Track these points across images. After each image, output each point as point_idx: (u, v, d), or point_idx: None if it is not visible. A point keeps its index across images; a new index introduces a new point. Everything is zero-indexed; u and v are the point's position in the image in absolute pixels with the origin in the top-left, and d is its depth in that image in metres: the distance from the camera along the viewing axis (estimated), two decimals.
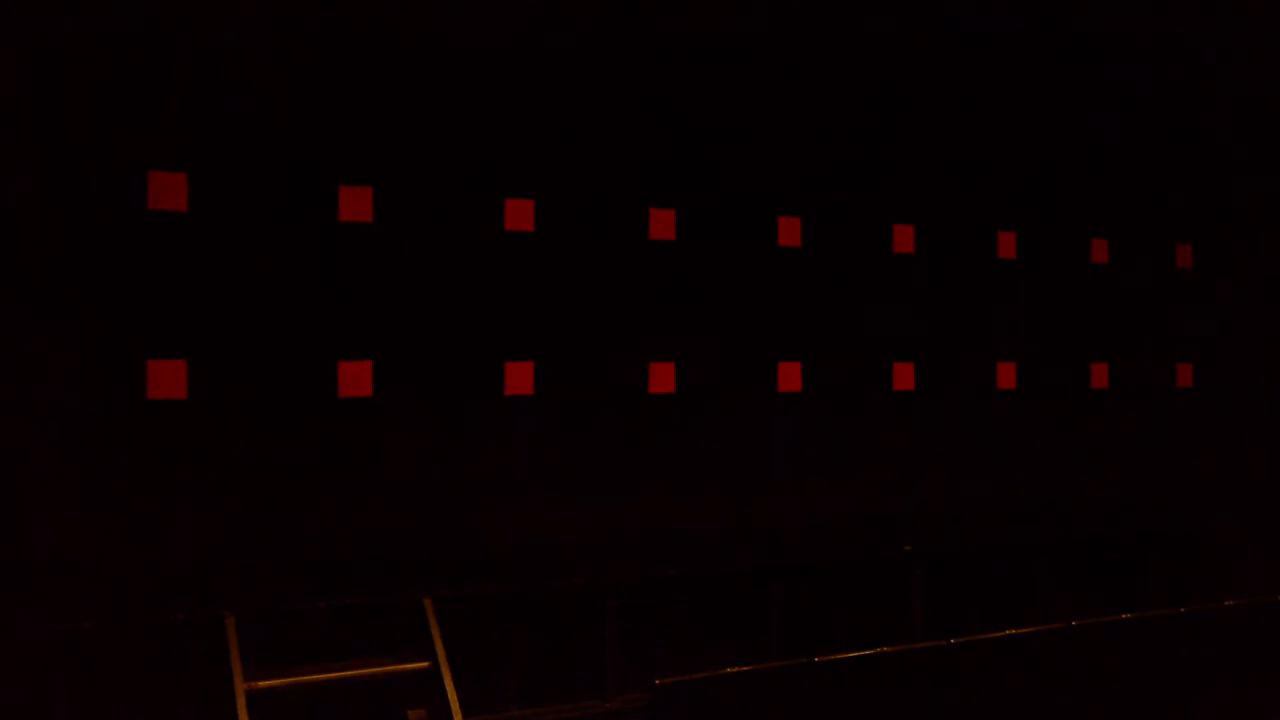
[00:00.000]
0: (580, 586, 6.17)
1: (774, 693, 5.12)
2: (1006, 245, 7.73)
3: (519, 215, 6.27)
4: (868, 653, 5.39)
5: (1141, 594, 7.76)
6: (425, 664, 5.58)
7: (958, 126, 7.58)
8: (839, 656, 5.34)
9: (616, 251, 6.53)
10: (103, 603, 5.21)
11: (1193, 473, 8.41)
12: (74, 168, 5.31)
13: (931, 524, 7.38)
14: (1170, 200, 8.40)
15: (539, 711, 5.99)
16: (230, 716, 5.09)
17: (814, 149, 7.10)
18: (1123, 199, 8.22)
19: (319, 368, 5.80)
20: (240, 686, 5.14)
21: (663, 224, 6.64)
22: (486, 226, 6.20)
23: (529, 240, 6.29)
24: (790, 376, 7.00)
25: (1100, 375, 8.11)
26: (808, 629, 6.77)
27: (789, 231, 7.01)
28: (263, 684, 5.24)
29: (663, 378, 6.62)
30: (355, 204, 5.87)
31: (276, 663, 5.36)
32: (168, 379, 5.45)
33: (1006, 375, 7.72)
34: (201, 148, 5.54)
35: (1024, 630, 5.81)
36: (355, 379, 5.86)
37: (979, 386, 7.65)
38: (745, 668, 5.16)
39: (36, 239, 5.24)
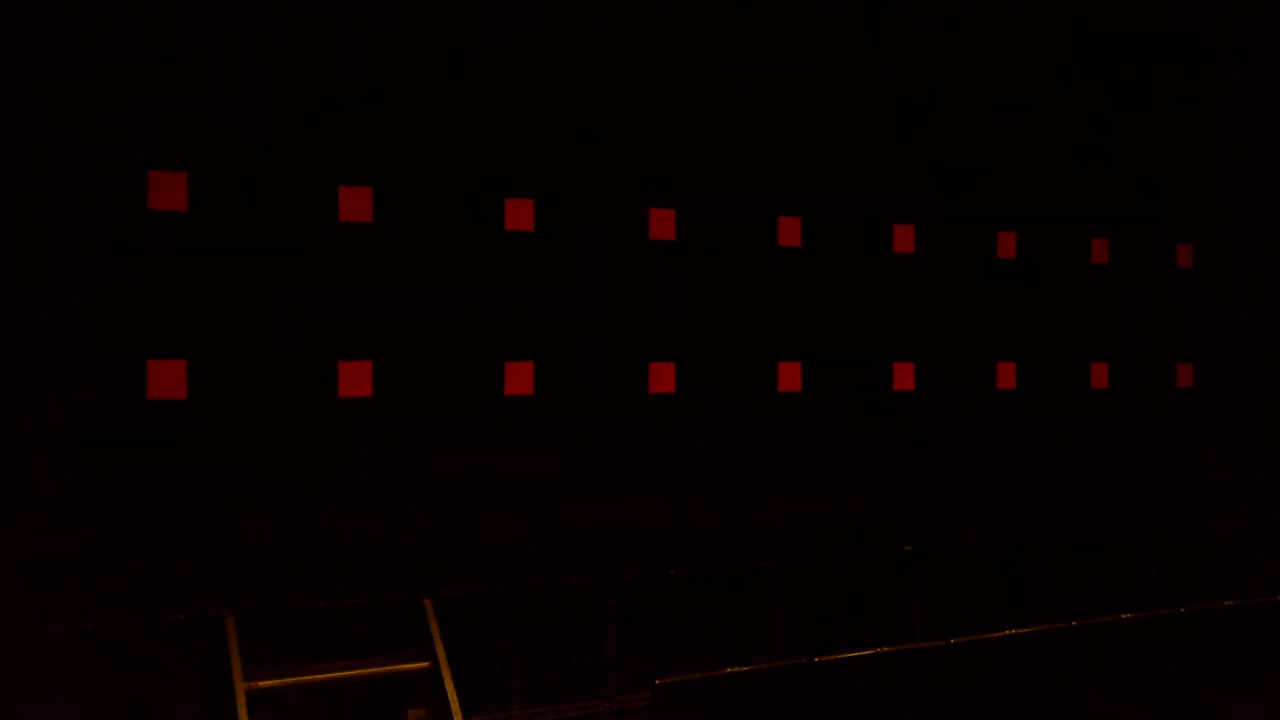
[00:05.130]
0: (580, 586, 6.17)
1: (774, 693, 5.12)
2: (1006, 245, 7.74)
3: (518, 215, 6.27)
4: (868, 653, 5.39)
5: (1141, 594, 7.75)
6: (425, 664, 5.58)
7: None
8: (839, 656, 5.35)
9: (615, 252, 6.53)
10: (102, 603, 5.21)
11: (1193, 473, 8.41)
12: (74, 167, 5.31)
13: (931, 524, 7.38)
14: (1172, 200, 8.41)
15: (539, 711, 5.99)
16: (230, 716, 5.08)
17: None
18: (1125, 199, 8.23)
19: (319, 367, 5.80)
20: (240, 686, 5.14)
21: (663, 224, 6.64)
22: (488, 228, 6.20)
23: (528, 239, 6.29)
24: (790, 376, 7.00)
25: (1100, 375, 8.11)
26: (808, 629, 6.77)
27: (789, 232, 7.01)
28: (263, 684, 5.24)
29: (662, 378, 6.62)
30: (355, 204, 5.88)
31: (276, 663, 5.36)
32: (168, 379, 5.45)
33: (1006, 375, 7.72)
34: (201, 148, 5.55)
35: (1024, 630, 5.81)
36: (355, 379, 5.86)
37: (979, 386, 7.65)
38: (745, 668, 5.17)
39: (36, 238, 5.24)
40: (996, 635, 5.73)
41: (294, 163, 5.76)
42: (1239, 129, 8.70)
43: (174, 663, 5.26)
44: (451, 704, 5.45)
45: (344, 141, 5.87)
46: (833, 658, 5.31)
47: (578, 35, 6.45)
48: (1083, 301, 8.05)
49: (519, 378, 6.26)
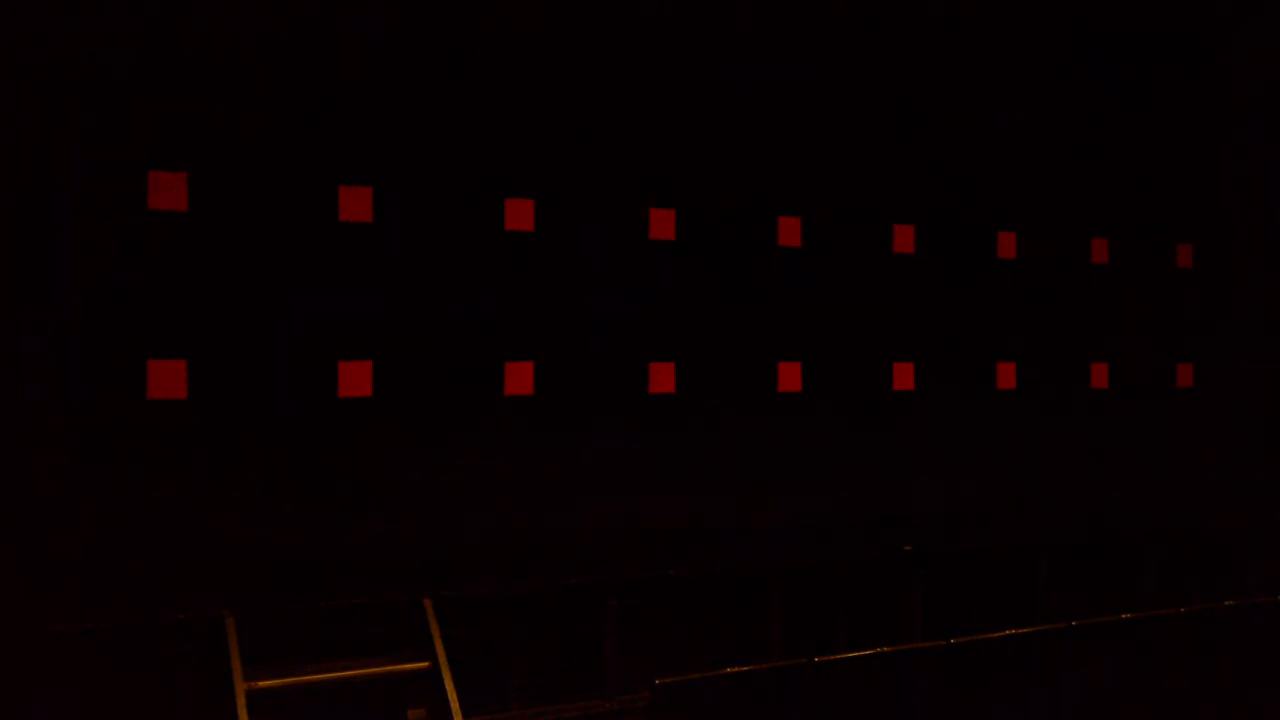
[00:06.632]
0: (580, 586, 6.17)
1: (774, 693, 5.12)
2: (1006, 245, 7.74)
3: (518, 215, 6.27)
4: (868, 653, 5.39)
5: (1141, 594, 7.76)
6: (425, 664, 5.58)
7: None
8: (839, 656, 5.34)
9: (615, 251, 6.54)
10: (103, 602, 5.21)
11: (1193, 472, 8.41)
12: (74, 167, 5.31)
13: (931, 524, 7.38)
14: (1172, 200, 8.42)
15: (539, 711, 6.00)
16: (230, 716, 5.09)
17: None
18: (1125, 199, 8.23)
19: (319, 367, 5.80)
20: (240, 686, 5.14)
21: (663, 224, 6.64)
22: (488, 228, 6.20)
23: (526, 240, 6.29)
24: (790, 376, 7.00)
25: (1100, 375, 8.11)
26: (808, 629, 6.77)
27: (789, 232, 7.01)
28: (263, 684, 5.24)
29: (663, 378, 6.62)
30: (355, 204, 5.88)
31: (276, 663, 5.36)
32: (168, 379, 5.45)
33: (1006, 375, 7.72)
34: (201, 148, 5.55)
35: (1024, 630, 5.81)
36: (355, 379, 5.86)
37: (979, 386, 7.65)
38: (745, 668, 5.16)
39: (36, 238, 5.24)
40: (996, 635, 5.73)
41: (294, 163, 5.76)
42: (1239, 129, 8.70)
43: (174, 663, 5.27)
44: (451, 704, 5.45)
45: (344, 141, 5.87)
46: (833, 658, 5.30)
47: (578, 35, 6.45)
48: (1083, 301, 8.05)
49: (519, 378, 6.26)
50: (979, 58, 7.68)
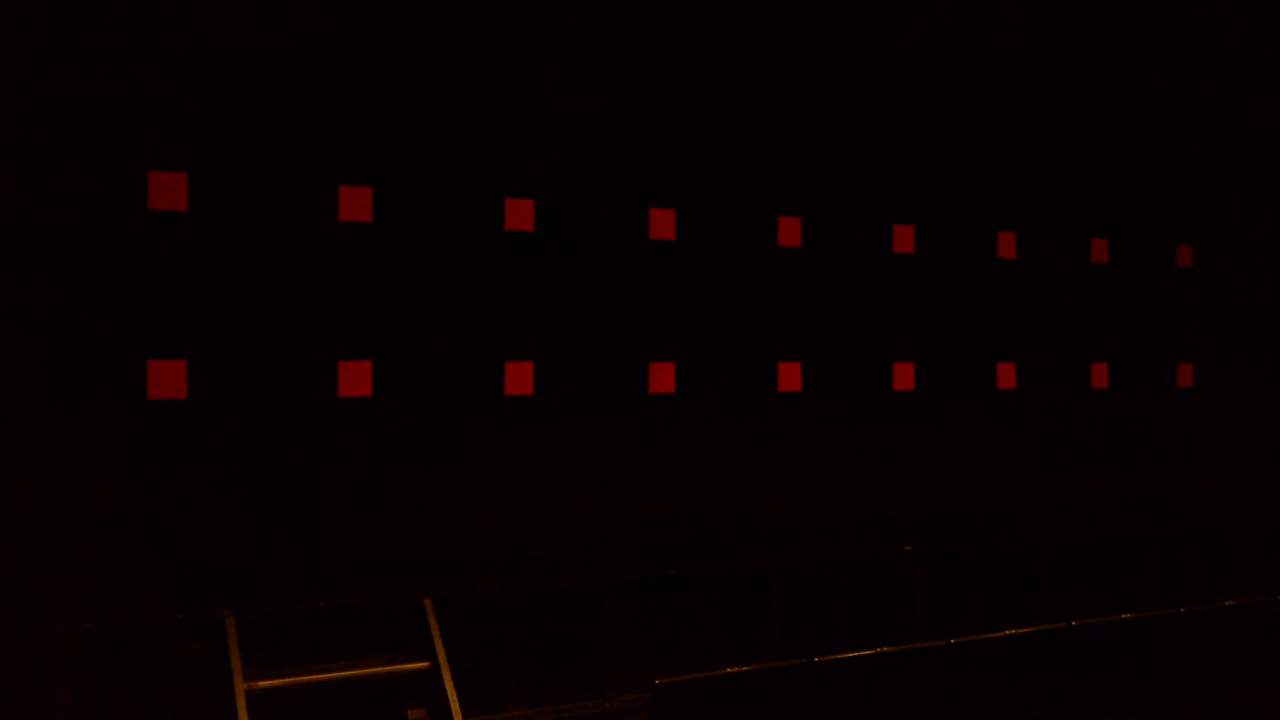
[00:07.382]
0: (580, 586, 6.17)
1: (774, 693, 5.11)
2: (1006, 245, 7.74)
3: (518, 216, 6.27)
4: (868, 653, 5.38)
5: (1141, 593, 7.76)
6: (425, 664, 5.58)
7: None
8: (839, 656, 5.34)
9: (616, 253, 6.54)
10: (103, 602, 5.21)
11: (1193, 472, 8.41)
12: (73, 166, 5.31)
13: (931, 524, 7.38)
14: (1172, 200, 8.42)
15: (539, 711, 6.00)
16: (230, 716, 5.09)
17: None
18: (1125, 199, 8.23)
19: (320, 368, 5.80)
20: (240, 686, 5.14)
21: (663, 224, 6.64)
22: (485, 231, 6.20)
23: (528, 240, 6.29)
24: (790, 376, 7.00)
25: (1100, 375, 8.11)
26: (808, 629, 6.77)
27: (789, 232, 7.01)
28: (263, 684, 5.24)
29: (663, 378, 6.62)
30: (355, 204, 5.88)
31: (276, 663, 5.36)
32: (168, 379, 5.45)
33: (1006, 375, 7.72)
34: (201, 148, 5.55)
35: (1024, 630, 5.81)
36: (355, 379, 5.86)
37: (979, 386, 7.65)
38: (745, 668, 5.16)
39: (36, 238, 5.24)
40: (996, 635, 5.73)
41: (294, 163, 5.76)
42: (1239, 129, 8.70)
43: (174, 663, 5.27)
44: (451, 704, 5.45)
45: (344, 141, 5.87)
46: (833, 658, 5.30)
47: (578, 36, 6.45)
48: (1083, 301, 8.06)
49: (519, 378, 6.26)
50: (979, 58, 7.67)
